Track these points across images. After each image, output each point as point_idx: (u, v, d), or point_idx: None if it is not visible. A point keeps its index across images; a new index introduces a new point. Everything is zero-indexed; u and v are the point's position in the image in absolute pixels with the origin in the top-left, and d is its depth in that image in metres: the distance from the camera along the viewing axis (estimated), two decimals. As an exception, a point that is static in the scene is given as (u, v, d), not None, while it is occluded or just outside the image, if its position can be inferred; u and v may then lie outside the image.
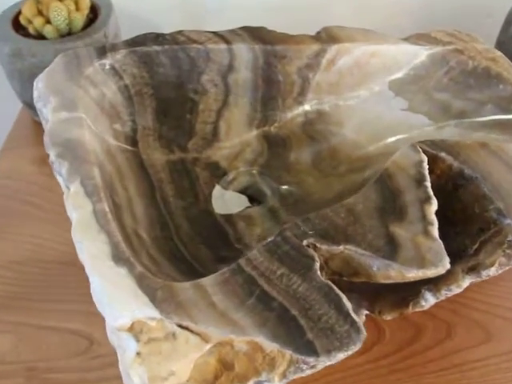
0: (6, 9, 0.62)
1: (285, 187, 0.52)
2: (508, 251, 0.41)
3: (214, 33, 0.54)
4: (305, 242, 0.39)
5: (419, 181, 0.42)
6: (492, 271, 0.42)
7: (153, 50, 0.54)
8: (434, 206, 0.40)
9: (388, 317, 0.41)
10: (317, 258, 0.38)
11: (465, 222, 0.43)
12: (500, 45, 0.63)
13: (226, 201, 0.52)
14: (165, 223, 0.48)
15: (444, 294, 0.43)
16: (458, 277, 0.42)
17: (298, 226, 0.40)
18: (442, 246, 0.38)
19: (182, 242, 0.47)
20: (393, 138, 0.51)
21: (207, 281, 0.37)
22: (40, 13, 0.59)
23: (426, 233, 0.39)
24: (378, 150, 0.51)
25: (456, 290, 0.43)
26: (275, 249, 0.39)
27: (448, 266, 0.37)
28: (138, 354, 0.34)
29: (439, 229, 0.44)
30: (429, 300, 0.43)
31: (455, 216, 0.43)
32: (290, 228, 0.40)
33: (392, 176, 0.42)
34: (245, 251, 0.47)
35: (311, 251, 0.38)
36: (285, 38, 0.53)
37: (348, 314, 0.35)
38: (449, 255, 0.43)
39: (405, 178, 0.42)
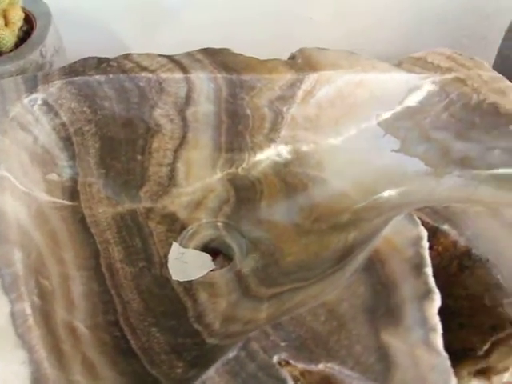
0: None
1: (255, 245, 0.44)
2: (526, 355, 0.33)
3: (169, 57, 0.45)
4: (275, 359, 0.31)
5: (418, 266, 0.34)
6: (506, 377, 0.34)
7: (95, 79, 0.44)
8: (436, 302, 0.32)
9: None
10: (290, 382, 0.30)
11: (471, 315, 0.35)
12: (502, 58, 0.54)
13: (186, 262, 0.44)
14: (109, 302, 0.40)
15: (446, 397, 0.35)
16: (463, 381, 0.35)
17: (268, 334, 0.32)
18: (448, 361, 0.30)
19: (129, 327, 0.39)
20: (383, 190, 0.43)
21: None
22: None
23: (428, 343, 0.31)
24: (366, 202, 0.43)
25: (460, 394, 0.35)
26: (238, 369, 0.31)
27: (455, 389, 0.29)
28: None
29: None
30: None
31: (458, 304, 0.35)
32: (257, 338, 0.32)
33: (384, 261, 0.34)
34: (206, 336, 0.39)
35: (284, 373, 0.30)
36: (253, 65, 0.44)
37: None
38: (451, 353, 0.36)
39: (400, 262, 0.34)
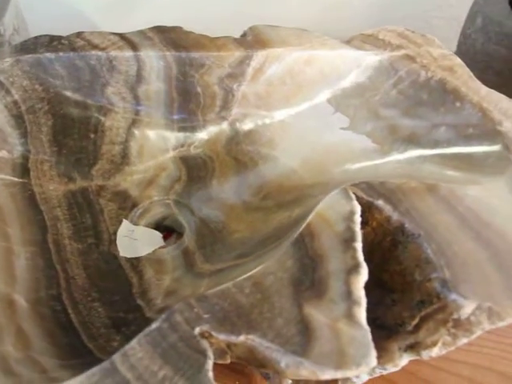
0: None
1: (204, 222, 0.44)
2: (453, 330, 0.33)
3: (120, 35, 0.45)
4: (197, 330, 0.31)
5: (347, 241, 0.34)
6: (434, 351, 0.34)
7: (46, 57, 0.44)
8: (362, 276, 0.32)
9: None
10: (210, 354, 0.30)
11: (403, 290, 0.35)
12: (465, 38, 0.54)
13: (136, 239, 0.44)
14: (53, 277, 0.40)
15: (379, 372, 0.36)
16: (394, 355, 0.35)
17: (192, 306, 0.32)
18: (369, 335, 0.30)
19: (71, 302, 0.39)
20: (331, 167, 0.42)
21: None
22: None
23: (350, 317, 0.31)
24: (313, 179, 0.43)
25: (392, 368, 0.36)
26: (160, 340, 0.31)
27: (374, 363, 0.29)
28: None
29: (373, 294, 0.36)
30: (361, 376, 0.36)
31: (393, 280, 0.35)
32: (180, 310, 0.32)
33: (314, 235, 0.34)
34: (146, 311, 0.39)
35: (204, 344, 0.30)
36: (203, 43, 0.44)
37: None
38: (383, 328, 0.36)
39: (330, 237, 0.34)
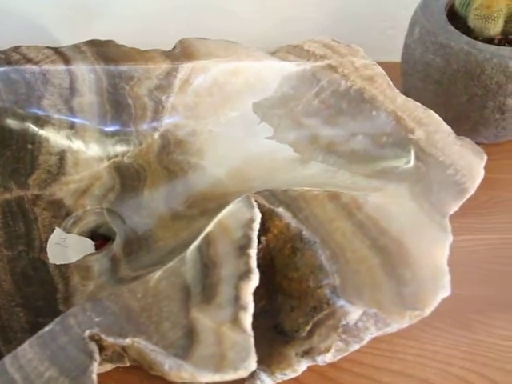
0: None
1: (133, 231, 0.45)
2: (344, 336, 0.34)
3: (55, 49, 0.47)
4: (87, 333, 0.32)
5: (242, 247, 0.34)
6: (328, 357, 0.35)
7: (-18, 71, 0.46)
8: (252, 282, 0.33)
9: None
10: (96, 356, 0.31)
11: (300, 296, 0.35)
12: (406, 48, 0.54)
13: (67, 247, 0.45)
14: (-21, 282, 0.41)
15: (280, 377, 0.36)
16: (292, 361, 0.35)
17: (85, 310, 0.33)
18: (252, 340, 0.31)
19: (-6, 307, 0.40)
20: (254, 176, 0.43)
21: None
22: None
23: (235, 321, 0.32)
24: (236, 188, 0.44)
25: (292, 374, 0.36)
26: (50, 342, 0.32)
27: (253, 368, 0.30)
28: None
29: (274, 300, 0.37)
30: (265, 382, 0.37)
31: (291, 287, 0.36)
32: (74, 313, 0.33)
33: (211, 242, 0.35)
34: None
35: (92, 346, 0.32)
36: (132, 55, 0.45)
37: None
38: (283, 334, 0.37)
39: (227, 244, 0.35)
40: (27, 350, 0.32)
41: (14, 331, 0.40)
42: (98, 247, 0.47)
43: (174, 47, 0.46)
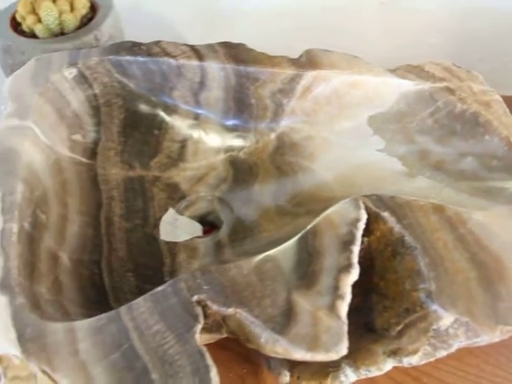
0: (8, 5, 0.62)
1: (240, 220, 0.48)
2: (433, 341, 0.35)
3: (191, 47, 0.51)
4: (195, 298, 0.35)
5: (346, 243, 0.37)
6: (415, 359, 0.36)
7: (125, 59, 0.51)
8: (352, 276, 0.35)
9: (306, 384, 0.37)
10: (200, 319, 0.34)
11: (395, 298, 0.37)
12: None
13: (178, 227, 0.49)
14: (98, 245, 0.46)
15: (364, 373, 0.38)
16: (378, 358, 0.37)
17: (195, 277, 0.36)
18: (345, 327, 0.33)
19: (108, 268, 0.45)
20: (361, 184, 0.45)
21: (81, 325, 0.35)
22: (33, 11, 0.58)
23: (332, 308, 0.34)
24: (343, 193, 0.46)
25: (376, 372, 0.38)
26: (162, 300, 0.35)
27: (344, 352, 0.32)
28: (3, 389, 0.33)
29: (368, 299, 0.39)
30: (349, 376, 0.39)
31: (387, 288, 0.38)
32: (185, 279, 0.36)
33: (318, 234, 0.37)
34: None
35: (198, 310, 0.35)
36: (261, 59, 0.49)
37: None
38: (372, 332, 0.38)
39: (332, 237, 0.37)
40: (141, 303, 0.35)
41: (123, 292, 0.44)
42: (204, 233, 0.50)
43: (301, 56, 0.49)
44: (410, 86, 0.47)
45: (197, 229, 0.50)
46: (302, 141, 0.50)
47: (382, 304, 0.38)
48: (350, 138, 0.48)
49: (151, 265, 0.46)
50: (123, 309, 0.35)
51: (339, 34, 0.67)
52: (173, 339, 0.34)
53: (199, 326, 0.34)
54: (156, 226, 0.49)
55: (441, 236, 0.37)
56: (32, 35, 0.58)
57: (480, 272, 0.35)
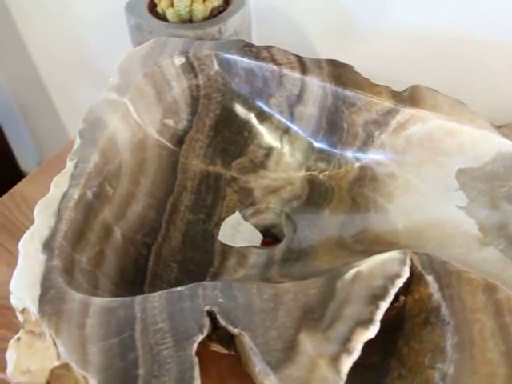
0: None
1: (299, 242, 0.47)
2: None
3: (299, 58, 0.50)
4: (206, 308, 0.35)
5: (376, 297, 0.34)
6: None
7: (233, 58, 0.52)
8: (369, 333, 0.33)
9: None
10: (205, 331, 0.34)
11: (411, 369, 0.34)
12: None
13: (239, 232, 0.49)
14: (155, 230, 0.47)
15: None
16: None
17: (215, 287, 0.36)
18: (342, 383, 0.31)
19: (157, 253, 0.46)
20: (428, 239, 0.42)
21: (97, 301, 0.36)
22: (169, -5, 0.60)
23: (335, 360, 0.32)
24: (407, 243, 0.43)
25: None
26: (176, 300, 0.36)
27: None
28: (19, 338, 0.35)
29: (388, 362, 0.36)
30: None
31: (409, 356, 0.35)
32: (206, 286, 0.36)
33: (351, 279, 0.35)
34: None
35: (205, 320, 0.35)
36: (362, 85, 0.47)
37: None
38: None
39: (363, 287, 0.35)
40: (156, 298, 0.36)
41: (162, 280, 0.44)
42: (262, 244, 0.50)
43: (405, 90, 0.47)
44: (510, 146, 0.42)
45: (256, 238, 0.49)
46: (384, 177, 0.47)
47: (398, 371, 0.35)
48: (433, 187, 0.45)
49: (199, 261, 0.46)
50: (138, 298, 0.36)
51: (466, 74, 0.62)
52: (171, 342, 0.34)
53: (200, 337, 0.34)
54: (218, 225, 0.49)
55: (481, 318, 0.33)
56: (163, 18, 0.60)
57: (511, 369, 0.31)
